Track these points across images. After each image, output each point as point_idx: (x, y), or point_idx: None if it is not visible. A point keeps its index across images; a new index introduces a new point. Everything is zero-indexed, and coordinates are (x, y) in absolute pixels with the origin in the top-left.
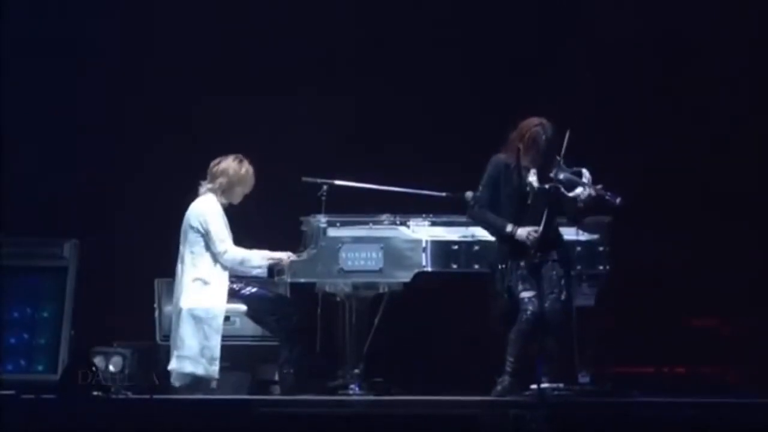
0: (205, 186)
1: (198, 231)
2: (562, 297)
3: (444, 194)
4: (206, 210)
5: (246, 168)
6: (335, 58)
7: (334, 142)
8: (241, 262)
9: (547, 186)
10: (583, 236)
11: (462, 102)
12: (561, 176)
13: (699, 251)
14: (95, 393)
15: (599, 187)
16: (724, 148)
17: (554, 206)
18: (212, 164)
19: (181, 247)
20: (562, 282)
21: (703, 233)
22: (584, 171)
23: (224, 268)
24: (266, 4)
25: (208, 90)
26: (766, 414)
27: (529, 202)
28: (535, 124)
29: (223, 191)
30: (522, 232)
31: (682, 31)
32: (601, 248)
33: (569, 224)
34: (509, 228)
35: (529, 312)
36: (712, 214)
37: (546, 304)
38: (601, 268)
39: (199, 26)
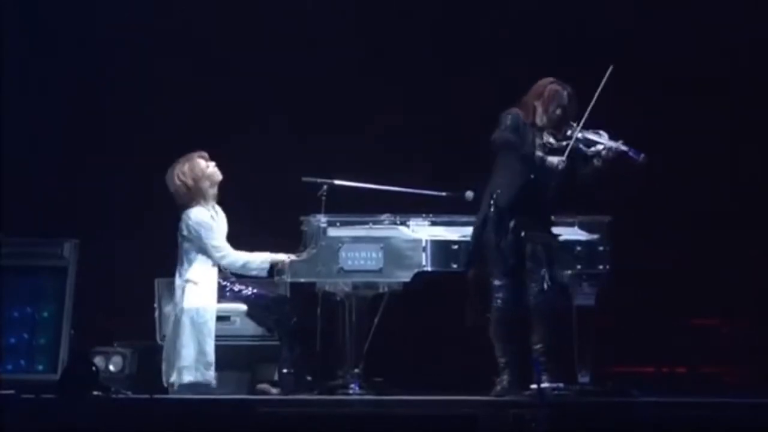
0: (181, 201)
1: (190, 239)
2: (545, 287)
3: (444, 194)
4: (195, 218)
5: (188, 161)
6: (335, 57)
7: (334, 141)
8: (243, 266)
9: (564, 143)
10: (583, 236)
11: (463, 101)
12: (580, 135)
13: (699, 251)
14: (95, 393)
15: (621, 142)
16: (724, 148)
17: (569, 168)
18: (168, 183)
19: (178, 257)
20: (543, 272)
21: (703, 233)
22: (602, 132)
23: (214, 269)
24: (267, 5)
25: (208, 90)
26: (766, 414)
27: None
28: (551, 81)
29: (199, 199)
30: (553, 160)
31: (685, 32)
32: (601, 248)
33: (569, 224)
34: (539, 154)
35: (499, 301)
36: (713, 213)
37: (531, 300)
38: (601, 268)
39: (197, 28)
